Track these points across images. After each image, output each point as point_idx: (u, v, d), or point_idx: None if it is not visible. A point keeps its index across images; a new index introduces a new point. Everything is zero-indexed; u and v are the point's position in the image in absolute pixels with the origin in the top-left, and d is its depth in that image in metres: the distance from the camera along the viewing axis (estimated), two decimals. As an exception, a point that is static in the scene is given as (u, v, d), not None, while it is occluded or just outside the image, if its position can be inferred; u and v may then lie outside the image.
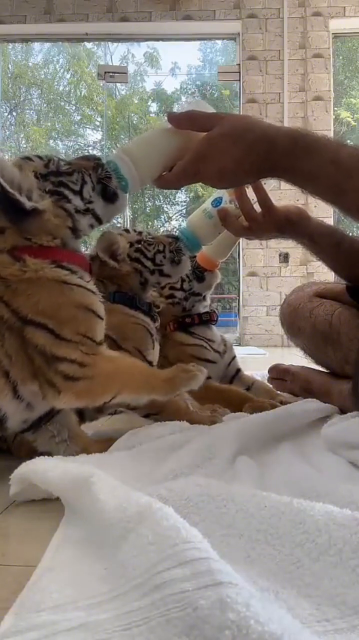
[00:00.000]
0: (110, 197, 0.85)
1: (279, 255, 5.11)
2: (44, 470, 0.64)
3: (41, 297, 0.75)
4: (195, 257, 1.22)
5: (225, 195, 1.03)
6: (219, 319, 1.37)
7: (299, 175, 0.80)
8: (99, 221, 0.86)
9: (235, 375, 1.36)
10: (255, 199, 0.97)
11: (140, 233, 1.15)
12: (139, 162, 0.80)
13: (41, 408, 0.80)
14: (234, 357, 1.37)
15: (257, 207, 0.98)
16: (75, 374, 0.75)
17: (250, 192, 0.97)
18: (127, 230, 1.16)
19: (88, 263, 0.87)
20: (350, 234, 1.10)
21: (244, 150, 0.78)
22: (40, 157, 0.83)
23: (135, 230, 1.16)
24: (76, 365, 0.75)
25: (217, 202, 1.03)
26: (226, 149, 0.78)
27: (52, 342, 0.75)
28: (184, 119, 0.82)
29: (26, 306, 0.74)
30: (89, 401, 0.79)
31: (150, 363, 1.03)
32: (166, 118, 0.83)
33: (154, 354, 1.06)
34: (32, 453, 0.79)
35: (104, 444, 0.86)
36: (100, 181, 0.84)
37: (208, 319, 1.33)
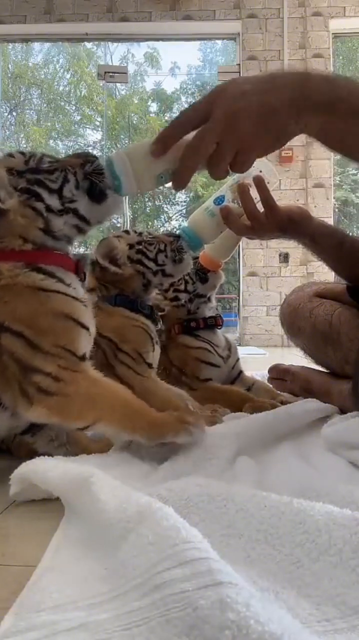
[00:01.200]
0: (96, 195, 0.78)
1: (279, 255, 5.12)
2: (44, 470, 0.64)
3: (17, 305, 0.71)
4: (198, 258, 1.22)
5: (227, 193, 1.03)
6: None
7: (340, 112, 0.68)
8: (86, 222, 0.80)
9: (237, 377, 1.36)
10: (257, 198, 0.97)
11: (140, 234, 1.14)
12: (137, 160, 0.73)
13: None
14: (237, 360, 1.37)
15: (259, 207, 0.98)
16: (49, 388, 0.70)
17: (252, 191, 0.97)
18: (127, 232, 1.15)
19: (72, 263, 0.81)
20: (351, 235, 1.10)
21: (272, 85, 0.66)
22: (22, 154, 0.78)
23: (135, 232, 1.15)
24: (50, 379, 0.70)
25: (219, 200, 1.02)
26: (249, 86, 0.66)
27: (28, 352, 0.70)
28: (168, 134, 0.69)
29: (2, 313, 0.71)
30: (61, 420, 0.72)
31: (149, 365, 1.03)
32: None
33: (154, 357, 1.06)
34: (32, 453, 0.78)
35: (104, 444, 0.85)
36: (87, 177, 0.77)
37: (214, 324, 1.32)
